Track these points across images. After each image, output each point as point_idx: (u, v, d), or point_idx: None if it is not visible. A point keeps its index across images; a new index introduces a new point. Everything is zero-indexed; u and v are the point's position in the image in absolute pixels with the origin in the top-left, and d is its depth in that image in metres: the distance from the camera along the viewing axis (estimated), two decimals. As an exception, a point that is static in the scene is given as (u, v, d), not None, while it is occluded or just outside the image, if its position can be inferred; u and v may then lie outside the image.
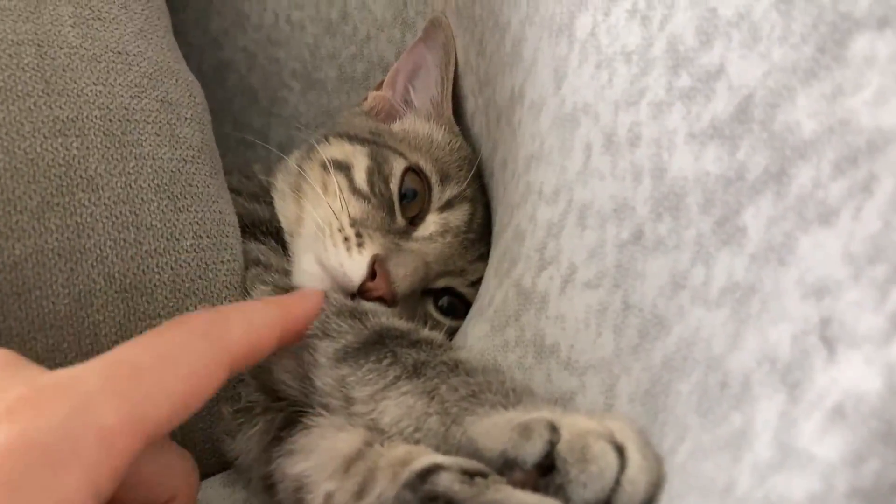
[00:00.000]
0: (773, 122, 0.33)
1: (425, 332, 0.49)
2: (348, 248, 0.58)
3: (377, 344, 0.47)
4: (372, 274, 0.57)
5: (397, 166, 0.63)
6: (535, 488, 0.37)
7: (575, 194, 0.46)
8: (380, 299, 0.57)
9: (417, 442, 0.43)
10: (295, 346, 0.48)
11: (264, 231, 0.63)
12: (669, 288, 0.38)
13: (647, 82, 0.41)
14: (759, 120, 0.34)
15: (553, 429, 0.37)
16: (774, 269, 0.31)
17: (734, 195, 0.34)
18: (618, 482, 0.36)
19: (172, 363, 0.35)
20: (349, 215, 0.60)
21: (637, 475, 0.35)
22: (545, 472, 0.37)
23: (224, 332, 0.39)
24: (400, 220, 0.62)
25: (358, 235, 0.58)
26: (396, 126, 0.70)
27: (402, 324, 0.50)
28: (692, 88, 0.38)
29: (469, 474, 0.38)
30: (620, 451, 0.36)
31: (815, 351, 0.27)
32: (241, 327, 0.40)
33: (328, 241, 0.58)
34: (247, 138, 0.86)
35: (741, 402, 0.30)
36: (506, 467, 0.38)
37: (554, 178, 0.48)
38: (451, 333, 0.61)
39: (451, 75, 0.69)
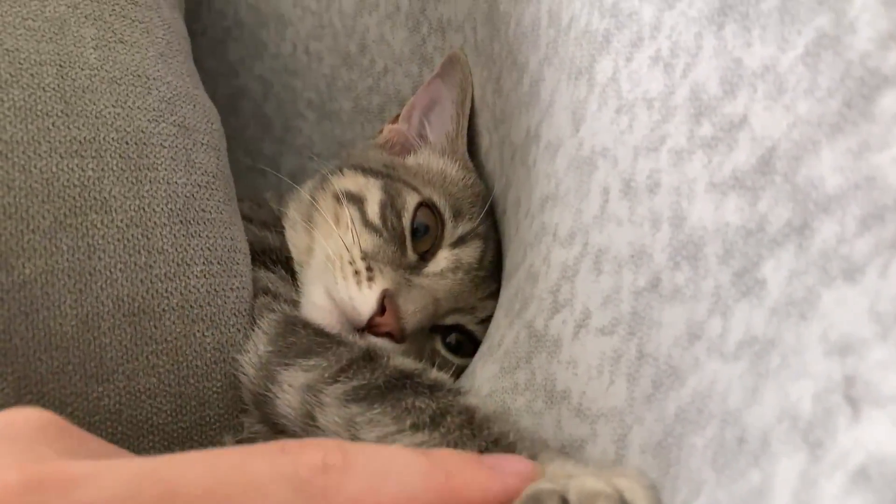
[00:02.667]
0: (797, 175, 0.33)
1: (435, 374, 0.49)
2: (358, 282, 0.57)
3: (393, 389, 0.46)
4: (381, 309, 0.57)
5: (410, 201, 0.63)
6: None
7: (591, 238, 0.46)
8: (388, 335, 0.57)
9: None
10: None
11: (274, 259, 0.63)
12: (685, 338, 0.37)
13: (668, 129, 0.41)
14: (782, 172, 0.33)
15: (564, 502, 0.37)
16: (795, 324, 0.31)
17: (754, 247, 0.34)
18: None
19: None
20: (360, 248, 0.60)
21: None
22: None
23: (332, 486, 0.27)
24: (411, 255, 0.62)
25: (368, 269, 0.58)
26: (411, 160, 0.71)
27: (413, 364, 0.50)
28: (714, 137, 0.37)
29: None
30: None
31: (838, 410, 0.27)
32: (363, 485, 0.27)
33: (338, 273, 0.58)
34: (258, 166, 0.86)
35: (759, 459, 0.30)
36: None
37: (570, 220, 0.48)
38: (459, 372, 0.60)
39: (467, 111, 0.69)
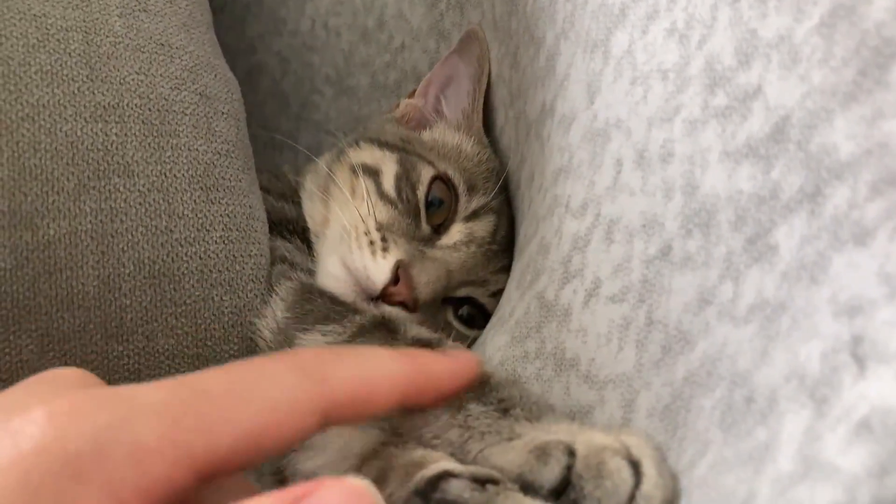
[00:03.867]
0: (810, 143, 0.33)
1: (450, 343, 0.50)
2: (373, 252, 0.58)
3: None
4: (395, 279, 0.58)
5: (425, 174, 0.64)
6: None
7: (603, 208, 0.46)
8: (401, 304, 0.58)
9: (434, 448, 0.44)
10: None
11: (291, 230, 0.64)
12: (696, 304, 0.38)
13: (682, 100, 0.41)
14: (796, 140, 0.34)
15: (570, 453, 0.37)
16: (806, 288, 0.31)
17: (767, 214, 0.35)
18: (632, 498, 0.36)
19: (247, 393, 0.30)
20: (376, 220, 0.61)
21: (652, 491, 0.35)
22: (560, 492, 0.37)
23: (327, 370, 0.33)
24: (425, 228, 0.63)
25: (383, 240, 0.59)
26: (426, 135, 0.71)
27: (429, 334, 0.51)
28: (728, 107, 0.38)
29: (481, 482, 0.38)
30: (636, 466, 0.36)
31: (844, 368, 0.28)
32: (352, 370, 0.33)
33: (353, 243, 0.59)
34: (276, 139, 0.87)
35: (766, 418, 0.30)
36: (522, 489, 0.38)
37: (582, 191, 0.49)
38: (470, 344, 0.61)
39: (484, 87, 0.70)
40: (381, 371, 0.35)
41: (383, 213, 0.61)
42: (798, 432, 0.28)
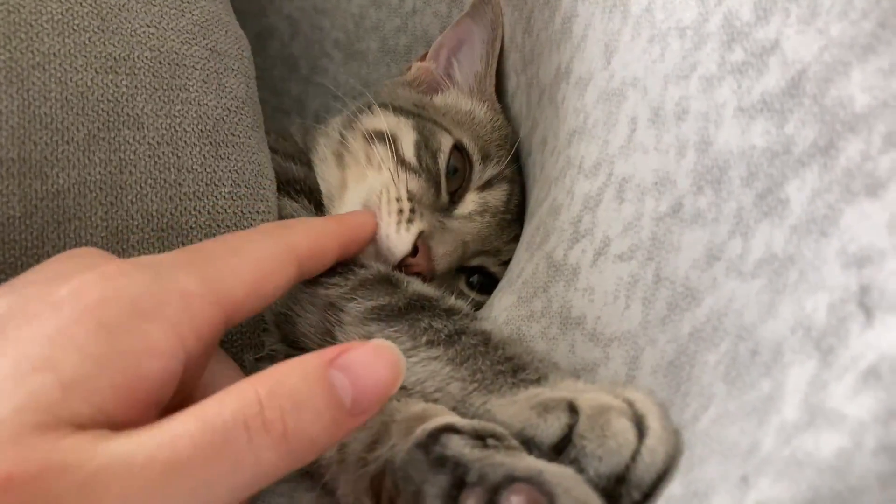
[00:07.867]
0: (825, 96, 0.33)
1: (452, 301, 0.50)
2: (398, 222, 0.57)
3: (411, 310, 0.47)
4: (414, 250, 0.57)
5: (445, 142, 0.63)
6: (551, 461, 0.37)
7: (616, 168, 0.46)
8: (418, 275, 0.57)
9: (436, 401, 0.44)
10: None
11: (298, 189, 0.63)
12: (704, 260, 0.38)
13: (699, 57, 0.41)
14: (811, 94, 0.34)
15: (572, 410, 0.37)
16: (815, 241, 0.31)
17: (779, 168, 0.34)
18: (636, 453, 0.35)
19: (239, 251, 0.40)
20: (407, 188, 0.59)
21: (656, 445, 0.35)
22: (562, 449, 0.37)
23: (286, 232, 0.45)
24: (444, 198, 0.62)
25: (412, 211, 0.58)
26: (438, 99, 0.70)
27: (431, 291, 0.51)
28: (745, 63, 0.38)
29: (482, 437, 0.38)
30: (640, 422, 0.36)
31: (851, 318, 0.27)
32: (303, 230, 0.46)
33: (384, 209, 0.58)
34: (285, 103, 0.87)
35: (771, 370, 0.30)
36: (523, 445, 0.38)
37: (596, 151, 0.48)
38: (478, 308, 0.61)
39: (497, 52, 0.69)
40: (322, 229, 0.49)
41: (413, 181, 0.60)
42: (803, 382, 0.28)
